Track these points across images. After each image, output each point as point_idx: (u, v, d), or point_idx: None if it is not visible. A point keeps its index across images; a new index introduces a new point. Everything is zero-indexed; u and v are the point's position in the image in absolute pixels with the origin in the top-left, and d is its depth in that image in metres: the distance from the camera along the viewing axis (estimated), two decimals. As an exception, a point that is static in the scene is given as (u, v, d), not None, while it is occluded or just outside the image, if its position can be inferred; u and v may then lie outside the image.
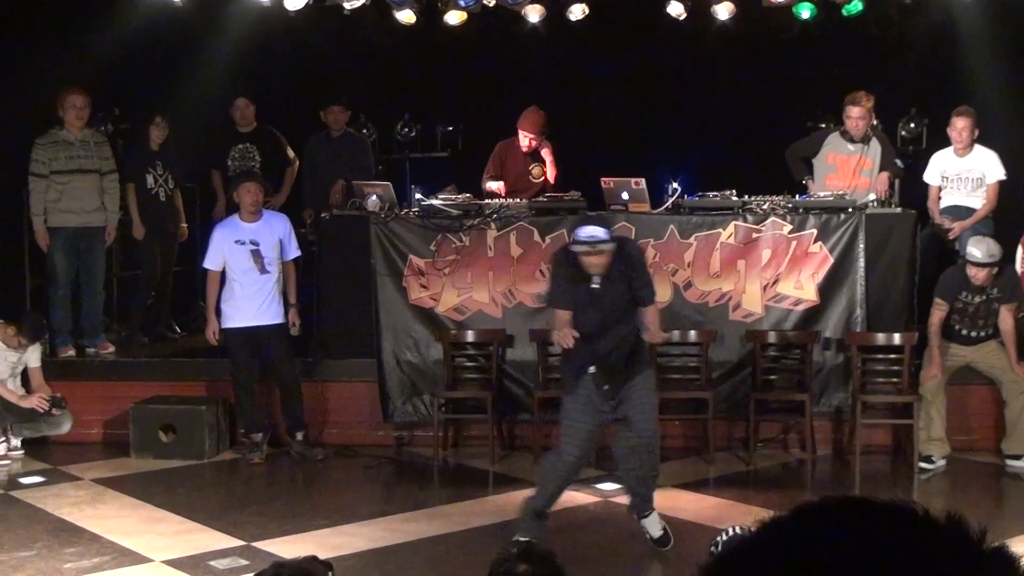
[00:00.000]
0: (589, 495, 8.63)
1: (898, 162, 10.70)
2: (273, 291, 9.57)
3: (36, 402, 9.65)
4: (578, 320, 7.12)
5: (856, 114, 10.11)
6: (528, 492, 7.61)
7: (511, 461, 9.62)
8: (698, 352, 9.67)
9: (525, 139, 10.70)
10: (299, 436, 9.67)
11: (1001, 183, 10.21)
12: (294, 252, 9.76)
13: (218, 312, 9.61)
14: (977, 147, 10.25)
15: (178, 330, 11.75)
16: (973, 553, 1.19)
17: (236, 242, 9.52)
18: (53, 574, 7.08)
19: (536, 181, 10.72)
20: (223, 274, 9.56)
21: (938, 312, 9.18)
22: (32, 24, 11.60)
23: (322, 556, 7.22)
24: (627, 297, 7.16)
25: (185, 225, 11.56)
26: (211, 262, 9.61)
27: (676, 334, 9.67)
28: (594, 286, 7.09)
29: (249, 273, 9.50)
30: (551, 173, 10.71)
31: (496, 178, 10.65)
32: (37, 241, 10.66)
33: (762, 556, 1.22)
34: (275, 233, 9.65)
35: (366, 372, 10.00)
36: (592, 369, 7.09)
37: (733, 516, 7.70)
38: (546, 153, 10.81)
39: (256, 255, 9.51)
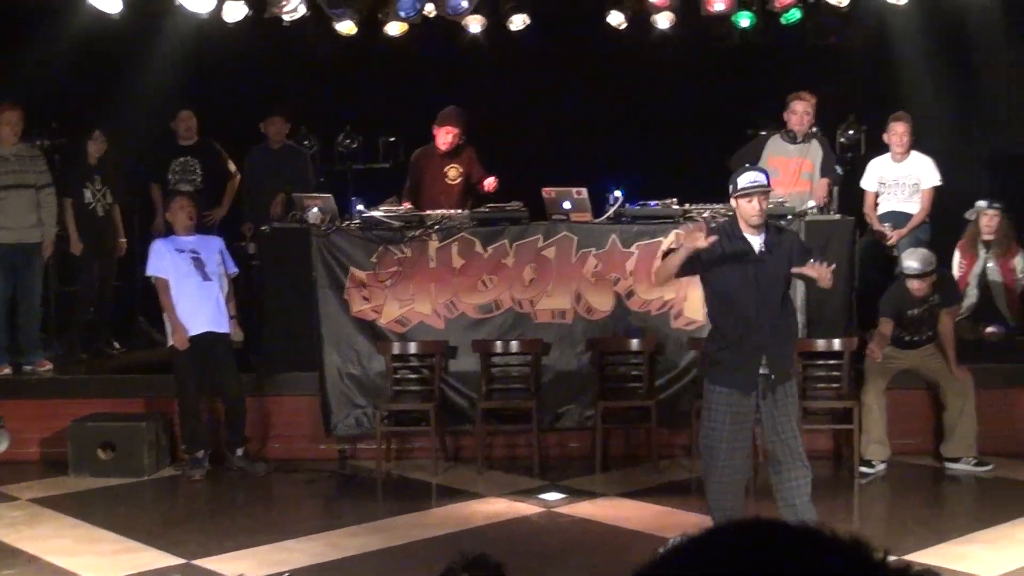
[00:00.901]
0: (533, 505, 8.61)
1: (838, 168, 10.78)
2: (218, 299, 9.50)
3: None
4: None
5: (800, 109, 10.19)
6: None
7: (455, 473, 9.59)
8: (641, 361, 9.69)
9: (447, 135, 10.66)
10: (239, 452, 9.60)
11: (937, 189, 10.31)
12: (232, 267, 9.71)
13: (162, 327, 9.53)
14: (914, 153, 10.36)
15: (117, 346, 11.63)
16: (879, 574, 1.19)
17: (176, 250, 9.45)
18: (-11, 596, 6.99)
19: (453, 183, 10.70)
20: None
21: (884, 328, 9.20)
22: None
23: (264, 573, 7.19)
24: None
25: (124, 240, 11.46)
26: (155, 268, 9.50)
27: (619, 343, 9.71)
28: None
29: (191, 279, 9.42)
30: (490, 182, 10.63)
31: (404, 194, 10.59)
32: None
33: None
34: (213, 247, 9.62)
35: (308, 385, 9.94)
36: None
37: (677, 524, 7.71)
38: (468, 156, 10.77)
39: (197, 262, 9.44)
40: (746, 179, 6.90)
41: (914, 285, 9.13)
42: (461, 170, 10.78)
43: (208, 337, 9.43)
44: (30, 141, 10.92)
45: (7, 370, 10.52)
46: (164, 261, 9.47)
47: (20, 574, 7.34)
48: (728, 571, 1.19)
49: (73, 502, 8.96)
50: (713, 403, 6.99)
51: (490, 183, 10.52)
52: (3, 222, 10.40)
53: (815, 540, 1.21)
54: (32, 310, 10.67)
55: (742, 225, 6.98)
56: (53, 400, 10.19)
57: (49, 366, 10.70)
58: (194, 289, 9.43)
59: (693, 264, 6.96)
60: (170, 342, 9.49)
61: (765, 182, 6.92)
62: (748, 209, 6.89)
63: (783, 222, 9.57)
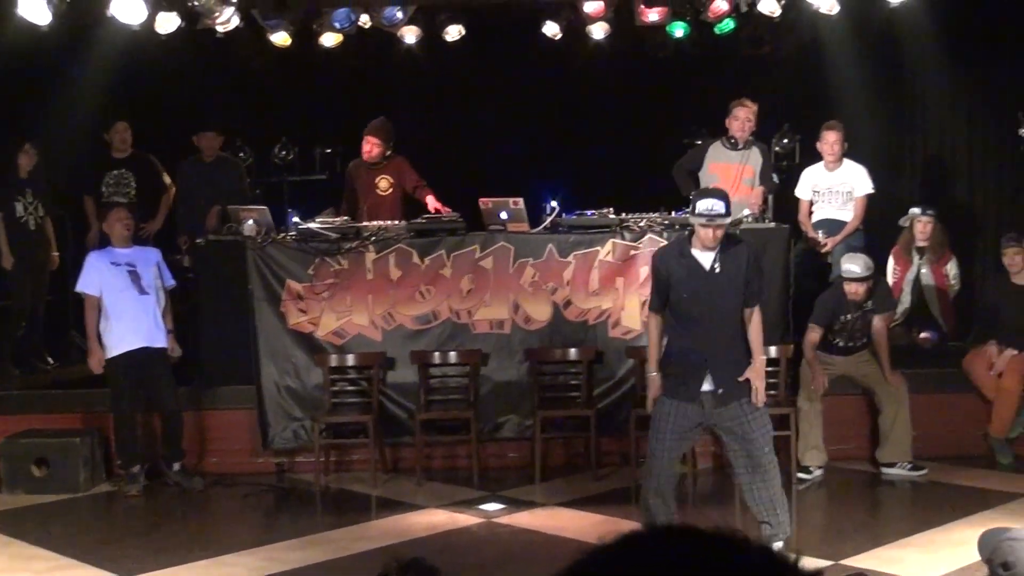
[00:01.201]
0: (472, 516, 8.60)
1: (774, 177, 10.88)
2: (155, 313, 9.39)
3: None
4: None
5: (743, 115, 10.26)
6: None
7: (394, 484, 9.56)
8: (579, 370, 9.71)
9: (368, 146, 10.67)
10: (176, 466, 9.50)
11: (869, 196, 10.42)
12: (169, 280, 9.62)
13: (99, 339, 9.41)
14: (847, 161, 10.47)
15: (51, 361, 11.49)
16: None
17: (112, 263, 9.34)
18: (-80, 617, 6.87)
19: (384, 194, 10.67)
20: (99, 303, 9.35)
21: (814, 334, 9.31)
22: None
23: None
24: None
25: (56, 254, 11.34)
26: (86, 285, 9.36)
27: (557, 352, 9.73)
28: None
29: (127, 293, 9.31)
30: (431, 197, 10.60)
31: (342, 206, 10.56)
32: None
33: None
34: (150, 259, 9.51)
35: (245, 399, 9.87)
36: None
37: (616, 533, 7.71)
38: (397, 166, 10.76)
39: (134, 276, 9.34)
40: (704, 206, 6.93)
41: (851, 288, 9.22)
42: (392, 181, 10.76)
43: (145, 352, 9.33)
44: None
45: (-62, 387, 10.37)
46: (96, 276, 9.34)
47: (-48, 594, 7.23)
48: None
49: (7, 520, 8.82)
50: (660, 412, 7.08)
51: (435, 205, 10.46)
52: (-68, 236, 10.28)
53: (729, 546, 1.22)
54: (-36, 326, 10.54)
55: (695, 241, 7.07)
56: (-15, 417, 10.05)
57: (-19, 382, 10.56)
58: (130, 304, 9.32)
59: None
60: (94, 360, 9.37)
61: (723, 211, 6.94)
62: (704, 234, 7.00)
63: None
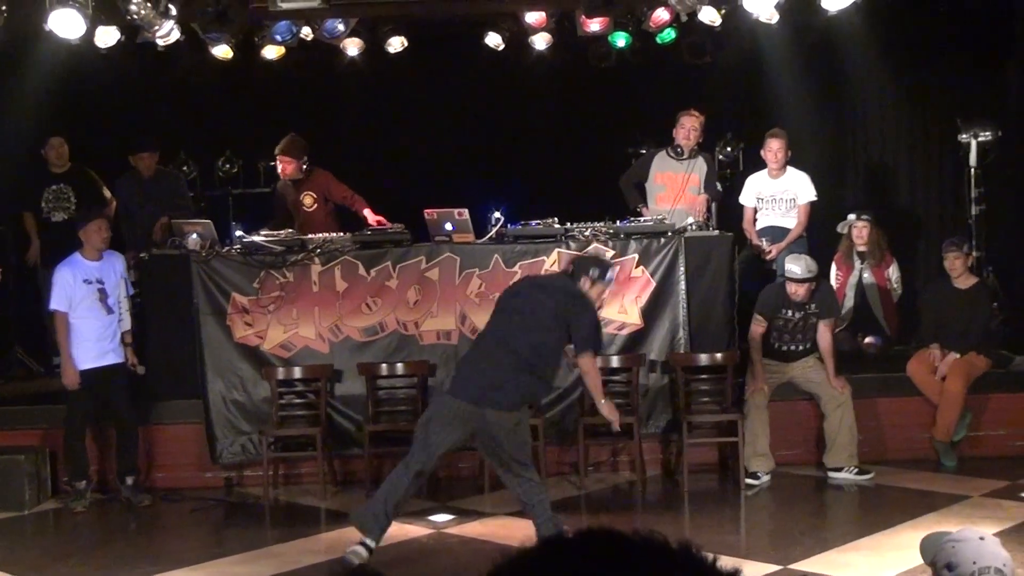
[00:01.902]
0: (422, 527, 8.59)
1: (718, 185, 10.97)
2: (116, 331, 9.37)
3: None
4: None
5: (688, 124, 10.36)
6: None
7: (343, 497, 9.52)
8: (527, 379, 9.70)
9: (279, 165, 10.69)
10: (129, 481, 9.42)
11: (812, 203, 10.52)
12: (130, 290, 9.58)
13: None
14: (790, 169, 10.56)
15: (-6, 378, 11.37)
16: None
17: (84, 281, 9.26)
18: None
19: (310, 210, 10.64)
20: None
21: (758, 327, 9.44)
22: None
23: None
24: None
25: (0, 270, 11.20)
26: (59, 303, 9.25)
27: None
28: None
29: (94, 312, 9.26)
30: (368, 211, 10.57)
31: (273, 222, 10.53)
32: None
33: None
34: (117, 272, 9.45)
35: (192, 413, 9.81)
36: None
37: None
38: (319, 181, 10.73)
39: (102, 294, 9.28)
40: (610, 275, 7.91)
41: (792, 289, 9.33)
42: (315, 196, 10.73)
43: (106, 370, 9.29)
44: None
45: None
46: (66, 294, 9.25)
47: None
48: None
49: (-49, 539, 8.73)
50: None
51: (373, 218, 10.44)
52: None
53: (647, 547, 1.23)
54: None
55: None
56: (-72, 434, 9.92)
57: (-77, 400, 10.42)
58: (96, 323, 9.27)
59: None
60: (69, 377, 9.29)
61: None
62: (596, 297, 7.76)
63: (663, 239, 9.73)
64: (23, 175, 11.75)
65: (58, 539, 8.97)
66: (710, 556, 1.24)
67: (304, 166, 10.68)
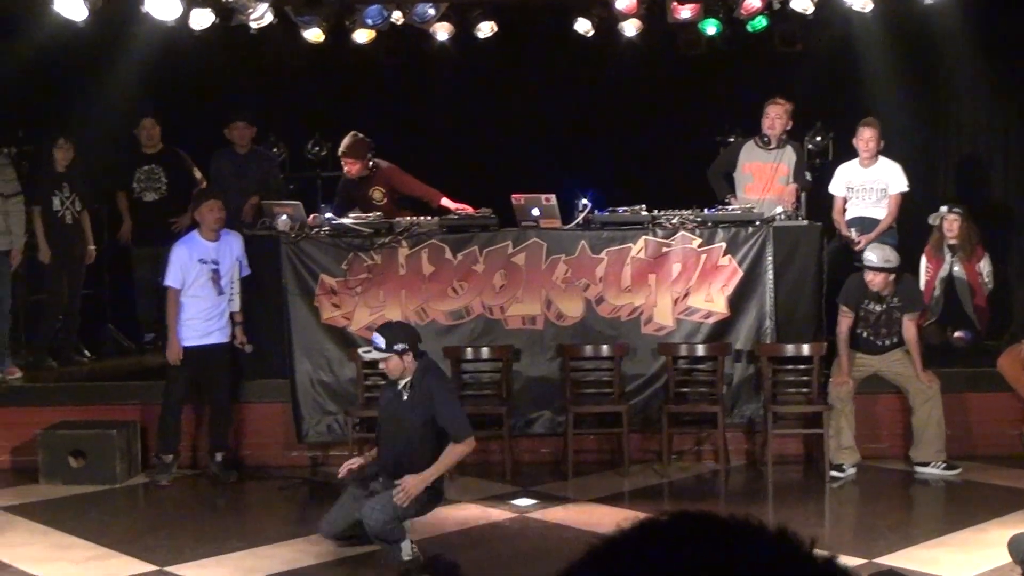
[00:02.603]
0: (504, 511, 8.63)
1: (807, 175, 10.87)
2: (224, 312, 9.55)
3: None
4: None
5: (773, 113, 10.29)
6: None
7: (426, 479, 9.57)
8: (611, 366, 9.73)
9: (345, 166, 10.69)
10: (219, 457, 9.58)
11: (904, 194, 10.39)
12: (246, 270, 9.75)
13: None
14: (881, 158, 10.44)
15: (87, 354, 11.57)
16: (804, 564, 1.22)
17: (199, 261, 9.43)
18: (-40, 605, 6.95)
19: (379, 204, 10.63)
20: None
21: (844, 320, 9.37)
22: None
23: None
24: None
25: (93, 248, 11.39)
26: (173, 279, 9.46)
27: (589, 349, 9.75)
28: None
29: (205, 291, 9.45)
30: (447, 200, 10.56)
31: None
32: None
33: (599, 570, 1.25)
34: (233, 252, 9.60)
35: (279, 392, 9.93)
36: None
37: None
38: (385, 175, 10.72)
39: (215, 275, 9.44)
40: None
41: (868, 277, 9.25)
42: (384, 191, 10.74)
43: (209, 349, 9.49)
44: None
45: (-23, 378, 10.46)
46: (180, 273, 9.44)
47: (-9, 583, 7.31)
48: (658, 562, 1.22)
49: (44, 510, 8.91)
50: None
51: (456, 206, 10.45)
52: (-30, 230, 10.35)
53: (742, 530, 1.24)
54: (1, 318, 10.61)
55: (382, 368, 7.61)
56: (23, 408, 10.13)
57: (19, 374, 10.63)
58: (205, 304, 9.48)
59: None
60: (172, 352, 9.50)
61: (380, 345, 7.39)
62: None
63: (751, 228, 9.68)
64: (117, 155, 11.94)
65: (148, 513, 9.14)
66: (807, 541, 1.25)
67: (370, 163, 10.69)
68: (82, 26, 10.86)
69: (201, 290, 9.46)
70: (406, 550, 7.30)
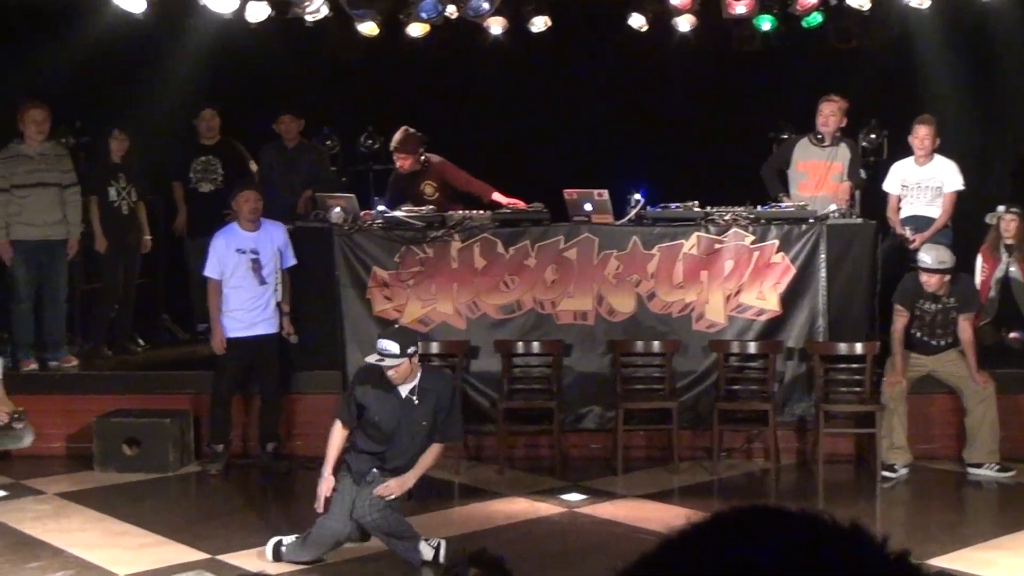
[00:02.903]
0: (554, 505, 8.64)
1: (862, 172, 10.80)
2: (269, 302, 9.60)
3: None
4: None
5: (827, 110, 10.23)
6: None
7: (476, 472, 9.61)
8: (662, 362, 9.71)
9: (398, 161, 10.70)
10: (270, 447, 9.65)
11: (959, 193, 10.30)
12: (291, 260, 9.76)
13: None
14: (937, 156, 10.35)
15: (142, 343, 11.68)
16: (877, 559, 1.23)
17: (237, 251, 9.50)
18: (16, 589, 7.04)
19: (431, 199, 10.62)
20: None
21: (899, 319, 9.31)
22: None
23: (285, 570, 7.24)
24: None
25: (148, 237, 11.49)
26: (212, 270, 9.56)
27: (640, 344, 9.74)
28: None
29: (247, 282, 9.50)
30: (498, 194, 10.56)
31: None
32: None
33: (673, 562, 1.25)
34: (274, 242, 9.64)
35: (331, 383, 9.97)
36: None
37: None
38: (438, 170, 10.71)
39: (255, 265, 9.50)
40: (379, 346, 7.31)
41: (923, 278, 9.19)
42: (436, 185, 10.74)
43: (255, 339, 9.55)
44: (55, 140, 10.98)
45: (33, 365, 10.58)
46: (219, 264, 9.52)
47: (46, 567, 7.40)
48: (732, 555, 1.22)
49: (98, 496, 9.02)
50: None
51: (507, 201, 10.45)
52: (28, 219, 10.47)
53: (815, 525, 1.24)
54: (57, 306, 10.73)
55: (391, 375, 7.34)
56: (78, 396, 10.26)
57: (74, 362, 10.76)
58: (249, 295, 9.53)
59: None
60: (216, 342, 9.60)
61: (395, 352, 7.22)
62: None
63: (804, 226, 9.64)
64: (174, 145, 12.03)
65: (200, 501, 9.23)
66: (879, 536, 1.25)
67: (421, 158, 10.71)
68: (140, 18, 10.98)
69: (242, 280, 9.51)
70: (425, 552, 7.36)
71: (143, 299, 11.75)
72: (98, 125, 11.46)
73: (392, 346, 7.21)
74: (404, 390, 7.38)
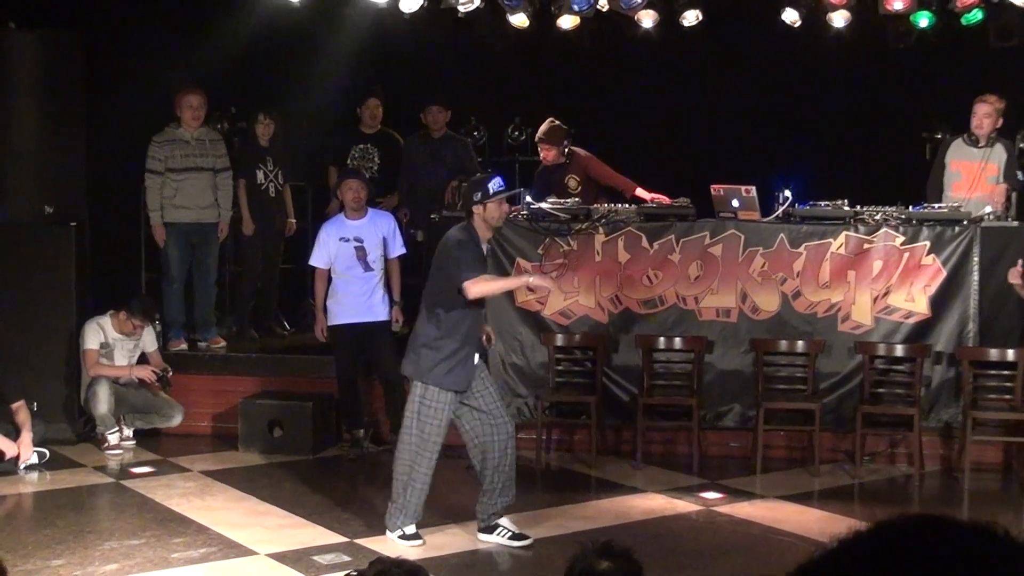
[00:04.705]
0: (691, 503, 8.58)
1: (1019, 174, 10.51)
2: (377, 288, 9.67)
3: (146, 373, 9.90)
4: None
5: (981, 112, 9.97)
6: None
7: (613, 467, 9.59)
8: (805, 363, 9.58)
9: (542, 152, 10.71)
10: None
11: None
12: (399, 250, 9.84)
13: (325, 309, 9.72)
14: (1097, 160, 10.04)
15: (287, 326, 11.89)
16: None
17: (341, 239, 9.63)
18: (161, 563, 7.22)
19: (575, 192, 10.58)
20: (329, 271, 9.69)
21: None
22: (152, 24, 11.83)
23: (426, 556, 7.30)
24: None
25: (293, 220, 11.68)
26: (317, 259, 9.74)
27: (784, 344, 9.61)
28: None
29: (353, 270, 9.61)
30: (641, 190, 10.50)
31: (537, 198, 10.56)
32: (154, 236, 10.89)
33: (840, 571, 1.23)
34: (379, 231, 9.74)
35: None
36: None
37: (837, 530, 7.59)
38: (581, 164, 10.67)
39: (360, 252, 9.61)
40: (496, 184, 7.37)
41: None
42: (579, 179, 10.71)
43: (366, 326, 9.64)
44: (211, 125, 11.24)
45: (183, 345, 10.87)
46: (325, 253, 9.67)
47: (191, 542, 7.58)
48: (899, 568, 1.19)
49: (242, 476, 9.23)
50: (435, 404, 7.53)
51: (651, 197, 10.39)
52: (182, 202, 10.75)
53: (989, 537, 1.20)
54: (207, 288, 11.00)
55: (481, 231, 7.43)
56: (225, 377, 10.51)
57: (223, 343, 11.02)
58: (355, 281, 9.63)
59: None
60: (318, 329, 9.80)
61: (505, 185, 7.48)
62: (496, 212, 7.42)
63: (957, 228, 9.42)
64: (333, 132, 12.19)
65: (339, 485, 9.32)
66: None
67: (565, 150, 10.70)
68: (296, 5, 11.18)
69: (348, 269, 9.61)
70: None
71: (289, 284, 11.96)
72: (251, 111, 11.69)
73: (502, 180, 7.57)
74: (487, 243, 7.69)
